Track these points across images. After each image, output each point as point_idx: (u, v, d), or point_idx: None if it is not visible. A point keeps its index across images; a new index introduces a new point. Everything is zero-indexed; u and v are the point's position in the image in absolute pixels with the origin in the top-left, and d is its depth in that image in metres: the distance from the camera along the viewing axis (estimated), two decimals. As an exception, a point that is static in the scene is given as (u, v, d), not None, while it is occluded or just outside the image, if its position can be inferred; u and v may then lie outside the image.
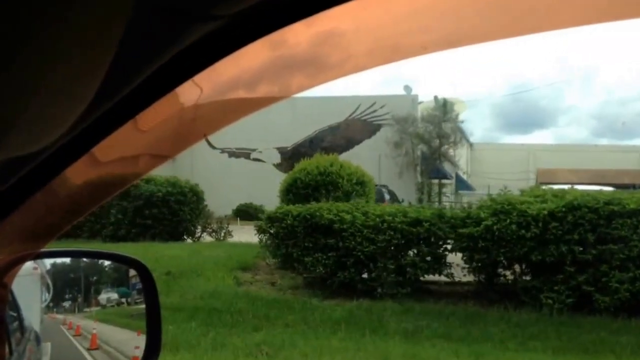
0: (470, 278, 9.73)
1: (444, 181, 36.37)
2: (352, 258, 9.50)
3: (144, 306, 1.59)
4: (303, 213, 9.79)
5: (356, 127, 36.42)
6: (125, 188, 1.08)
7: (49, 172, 0.82)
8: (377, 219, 9.53)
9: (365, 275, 9.66)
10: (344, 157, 36.13)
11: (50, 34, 0.49)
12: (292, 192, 14.58)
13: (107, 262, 1.77)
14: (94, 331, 1.70)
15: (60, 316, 1.65)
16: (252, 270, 11.69)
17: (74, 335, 1.66)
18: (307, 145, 37.23)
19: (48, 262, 1.58)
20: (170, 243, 16.22)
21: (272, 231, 10.08)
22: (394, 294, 9.29)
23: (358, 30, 0.68)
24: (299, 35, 0.66)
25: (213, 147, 38.10)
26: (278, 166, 36.92)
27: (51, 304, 1.63)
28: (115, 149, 0.85)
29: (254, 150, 37.63)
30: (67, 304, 1.69)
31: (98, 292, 1.74)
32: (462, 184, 37.91)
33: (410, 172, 34.90)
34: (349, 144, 36.60)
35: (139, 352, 1.53)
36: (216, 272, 11.04)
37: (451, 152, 33.06)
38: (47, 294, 1.60)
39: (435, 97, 35.78)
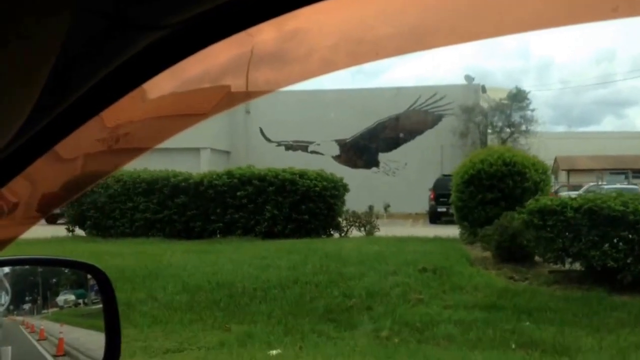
0: None
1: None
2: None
3: (100, 306, 1.62)
4: (587, 205, 9.37)
5: (417, 118, 36.05)
6: (95, 184, 1.12)
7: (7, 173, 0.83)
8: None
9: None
10: (405, 148, 36.29)
11: None
12: (474, 184, 14.17)
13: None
14: (61, 335, 1.76)
15: (19, 318, 1.70)
16: (478, 264, 11.29)
17: (37, 340, 1.72)
18: (367, 137, 36.87)
19: (7, 267, 1.63)
20: (323, 238, 15.81)
21: (549, 224, 9.64)
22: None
23: (323, 26, 0.69)
24: (265, 32, 0.67)
25: (269, 141, 37.68)
26: (336, 158, 36.54)
27: (11, 307, 1.68)
28: (80, 146, 0.86)
29: (311, 142, 37.10)
30: (26, 307, 1.74)
31: (57, 295, 1.79)
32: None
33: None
34: (411, 134, 36.27)
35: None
36: (460, 267, 10.63)
37: (522, 140, 32.74)
38: (5, 297, 1.65)
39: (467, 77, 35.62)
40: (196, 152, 32.56)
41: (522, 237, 10.87)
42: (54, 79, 0.62)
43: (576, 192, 37.15)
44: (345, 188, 17.00)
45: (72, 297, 1.80)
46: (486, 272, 10.61)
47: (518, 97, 32.82)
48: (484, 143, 34.06)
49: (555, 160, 37.65)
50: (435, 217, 27.43)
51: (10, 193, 0.93)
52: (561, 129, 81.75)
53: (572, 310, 8.08)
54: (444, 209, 27.32)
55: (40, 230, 18.75)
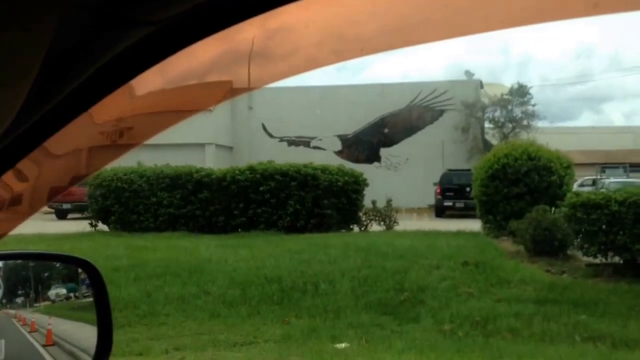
0: None
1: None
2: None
3: (90, 299, 1.66)
4: (631, 198, 9.53)
5: (418, 114, 36.17)
6: (84, 180, 1.12)
7: None
8: None
9: None
10: (406, 143, 36.43)
11: None
12: (499, 178, 14.32)
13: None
14: (49, 327, 1.80)
15: (12, 311, 1.74)
16: (512, 258, 11.42)
17: (29, 332, 1.76)
18: (369, 132, 36.97)
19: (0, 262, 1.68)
20: (346, 232, 15.89)
21: (593, 217, 9.78)
22: None
23: (308, 22, 0.69)
24: (250, 28, 0.67)
25: (271, 136, 37.66)
26: (338, 153, 36.60)
27: (4, 301, 1.72)
28: (69, 142, 0.87)
29: (313, 138, 37.16)
30: (19, 300, 1.77)
31: (48, 288, 1.83)
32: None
33: (478, 156, 34.82)
34: (411, 130, 36.41)
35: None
36: (499, 260, 10.75)
37: (524, 136, 32.89)
38: None
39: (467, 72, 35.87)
40: (201, 147, 32.50)
41: (557, 230, 11.03)
42: (43, 75, 0.62)
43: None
44: (365, 183, 17.09)
45: (63, 291, 1.82)
46: (526, 266, 10.73)
47: (519, 92, 32.98)
48: (484, 139, 34.35)
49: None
50: (441, 211, 27.63)
51: (2, 188, 0.93)
52: (540, 124, 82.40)
53: (626, 303, 8.22)
54: (450, 203, 27.60)
55: (60, 225, 18.70)
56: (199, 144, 32.02)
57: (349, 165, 29.72)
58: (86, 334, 1.63)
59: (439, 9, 0.67)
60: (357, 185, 16.62)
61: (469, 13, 0.66)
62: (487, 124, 35.14)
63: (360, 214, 16.98)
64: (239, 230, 15.86)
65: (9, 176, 0.86)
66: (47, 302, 1.80)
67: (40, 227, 17.02)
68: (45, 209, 27.00)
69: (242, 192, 16.10)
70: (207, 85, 0.83)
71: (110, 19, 0.61)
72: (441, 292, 8.84)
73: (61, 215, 25.99)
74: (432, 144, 34.88)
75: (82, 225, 17.38)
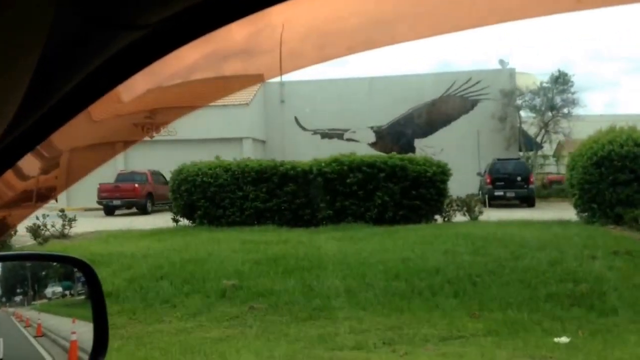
0: None
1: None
2: None
3: (83, 297, 1.73)
4: None
5: (453, 103, 35.88)
6: (83, 177, 1.14)
7: None
8: None
9: None
10: (441, 133, 36.09)
11: None
12: (605, 165, 14.00)
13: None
14: (39, 321, 1.89)
15: (11, 309, 1.84)
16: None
17: (24, 327, 1.86)
18: (403, 123, 36.65)
19: None
20: (436, 224, 15.59)
21: None
22: None
23: (291, 20, 0.70)
24: (236, 29, 0.68)
25: (304, 129, 37.29)
26: (372, 145, 36.19)
27: (3, 299, 1.81)
28: (65, 143, 0.90)
29: (346, 130, 36.80)
30: (18, 299, 1.87)
31: (45, 287, 1.92)
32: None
33: (515, 146, 34.54)
34: (446, 120, 36.10)
35: (76, 337, 1.76)
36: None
37: (564, 124, 32.66)
38: None
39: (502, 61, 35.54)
40: (239, 141, 32.12)
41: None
42: (37, 79, 0.63)
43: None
44: (450, 173, 16.79)
45: (59, 289, 1.90)
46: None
47: (560, 80, 32.64)
48: (521, 128, 34.05)
49: (559, 143, 37.05)
50: (490, 201, 27.35)
51: (5, 186, 0.96)
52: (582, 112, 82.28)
53: None
54: (501, 193, 27.26)
55: (121, 222, 18.17)
56: (237, 138, 31.75)
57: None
58: (69, 327, 1.80)
59: (423, 6, 0.68)
60: (444, 175, 16.30)
61: (452, 10, 0.67)
62: (524, 113, 34.80)
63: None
64: (325, 223, 15.51)
65: (8, 175, 0.89)
66: (44, 300, 1.89)
67: (103, 224, 16.66)
68: (85, 205, 26.62)
69: (328, 184, 15.75)
70: (193, 83, 0.83)
71: (100, 23, 0.61)
72: (617, 282, 8.50)
73: (109, 211, 25.67)
74: (467, 134, 34.56)
75: (143, 221, 17.04)
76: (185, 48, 0.69)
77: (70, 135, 0.84)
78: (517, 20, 0.65)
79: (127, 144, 1.06)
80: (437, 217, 16.50)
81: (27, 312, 1.88)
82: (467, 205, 16.75)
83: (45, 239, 12.61)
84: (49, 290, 1.92)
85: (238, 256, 10.36)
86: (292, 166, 16.11)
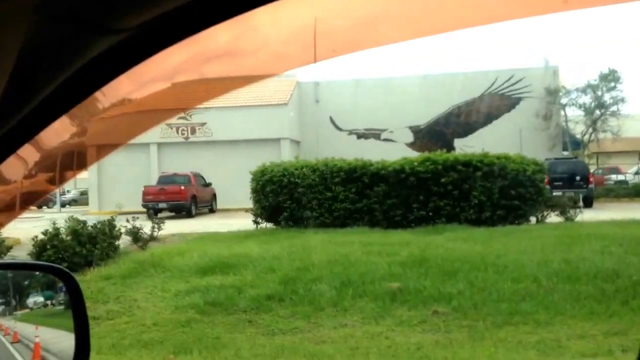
0: None
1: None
2: None
3: (62, 307, 1.76)
4: None
5: (494, 102, 35.02)
6: (75, 175, 1.13)
7: None
8: None
9: None
10: (481, 132, 35.18)
11: None
12: None
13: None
14: (15, 329, 1.93)
15: None
16: None
17: (4, 336, 1.93)
18: (442, 122, 35.77)
19: None
20: (536, 225, 14.77)
21: None
22: None
23: (276, 22, 0.70)
24: (219, 31, 0.68)
25: (339, 129, 36.44)
26: (411, 145, 35.23)
27: None
28: (47, 145, 0.88)
29: (384, 130, 35.91)
30: (0, 309, 1.92)
31: (27, 297, 1.94)
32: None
33: (560, 145, 33.72)
34: (487, 119, 35.25)
35: (39, 340, 1.86)
36: None
37: (613, 122, 31.86)
38: None
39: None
40: (277, 142, 31.27)
41: None
42: (16, 82, 0.63)
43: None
44: (547, 172, 15.96)
45: (40, 299, 1.92)
46: None
47: (610, 77, 31.84)
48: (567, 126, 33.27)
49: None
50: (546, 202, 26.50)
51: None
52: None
53: None
54: (559, 193, 26.39)
55: (188, 225, 17.30)
56: (274, 139, 30.91)
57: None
58: (45, 335, 1.87)
59: (408, 8, 0.67)
60: (541, 173, 15.50)
61: (437, 12, 0.66)
62: (570, 111, 33.99)
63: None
64: (416, 224, 14.64)
65: None
66: (25, 310, 1.92)
67: (172, 227, 15.62)
68: (124, 209, 25.72)
69: (421, 184, 14.90)
70: (178, 86, 0.84)
71: (79, 27, 0.60)
72: None
73: (155, 214, 24.80)
74: (509, 133, 33.65)
75: (196, 223, 16.19)
76: (168, 50, 0.68)
77: (49, 139, 0.84)
78: (503, 21, 0.65)
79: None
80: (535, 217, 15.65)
81: (7, 323, 1.90)
82: (560, 205, 15.90)
83: (145, 242, 11.78)
84: (30, 301, 1.92)
85: (375, 259, 9.53)
86: (382, 166, 15.26)
